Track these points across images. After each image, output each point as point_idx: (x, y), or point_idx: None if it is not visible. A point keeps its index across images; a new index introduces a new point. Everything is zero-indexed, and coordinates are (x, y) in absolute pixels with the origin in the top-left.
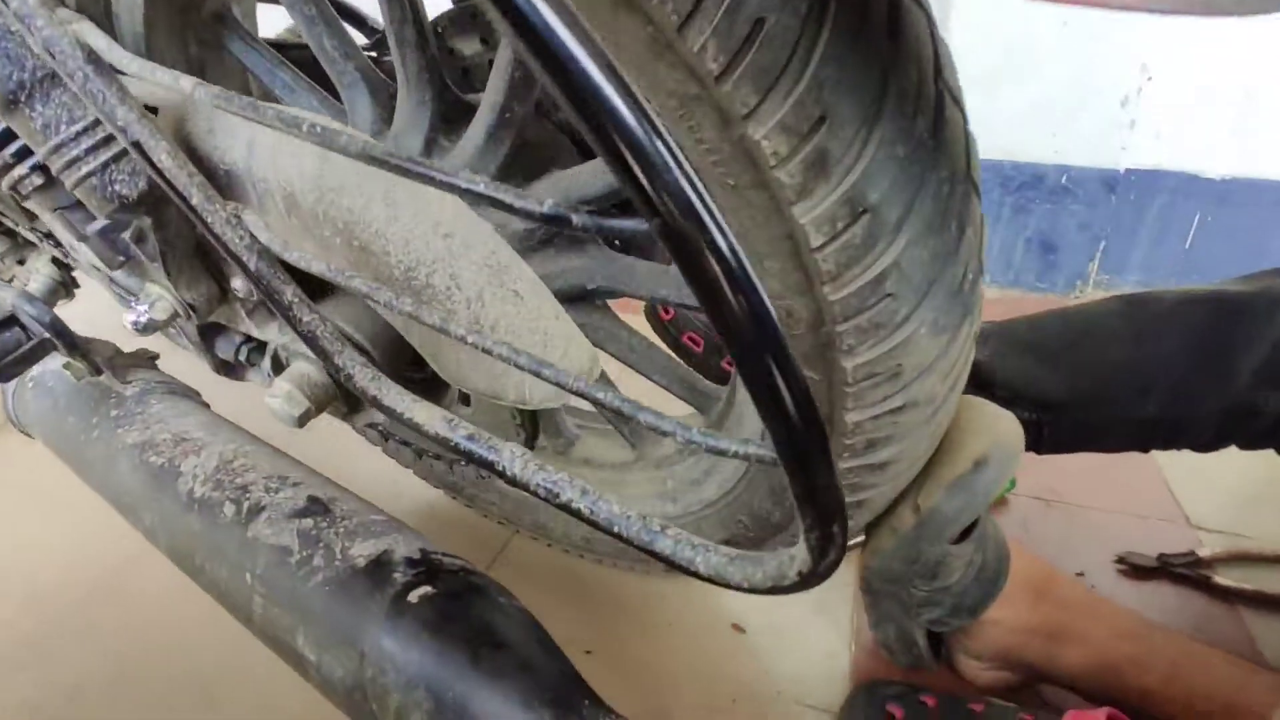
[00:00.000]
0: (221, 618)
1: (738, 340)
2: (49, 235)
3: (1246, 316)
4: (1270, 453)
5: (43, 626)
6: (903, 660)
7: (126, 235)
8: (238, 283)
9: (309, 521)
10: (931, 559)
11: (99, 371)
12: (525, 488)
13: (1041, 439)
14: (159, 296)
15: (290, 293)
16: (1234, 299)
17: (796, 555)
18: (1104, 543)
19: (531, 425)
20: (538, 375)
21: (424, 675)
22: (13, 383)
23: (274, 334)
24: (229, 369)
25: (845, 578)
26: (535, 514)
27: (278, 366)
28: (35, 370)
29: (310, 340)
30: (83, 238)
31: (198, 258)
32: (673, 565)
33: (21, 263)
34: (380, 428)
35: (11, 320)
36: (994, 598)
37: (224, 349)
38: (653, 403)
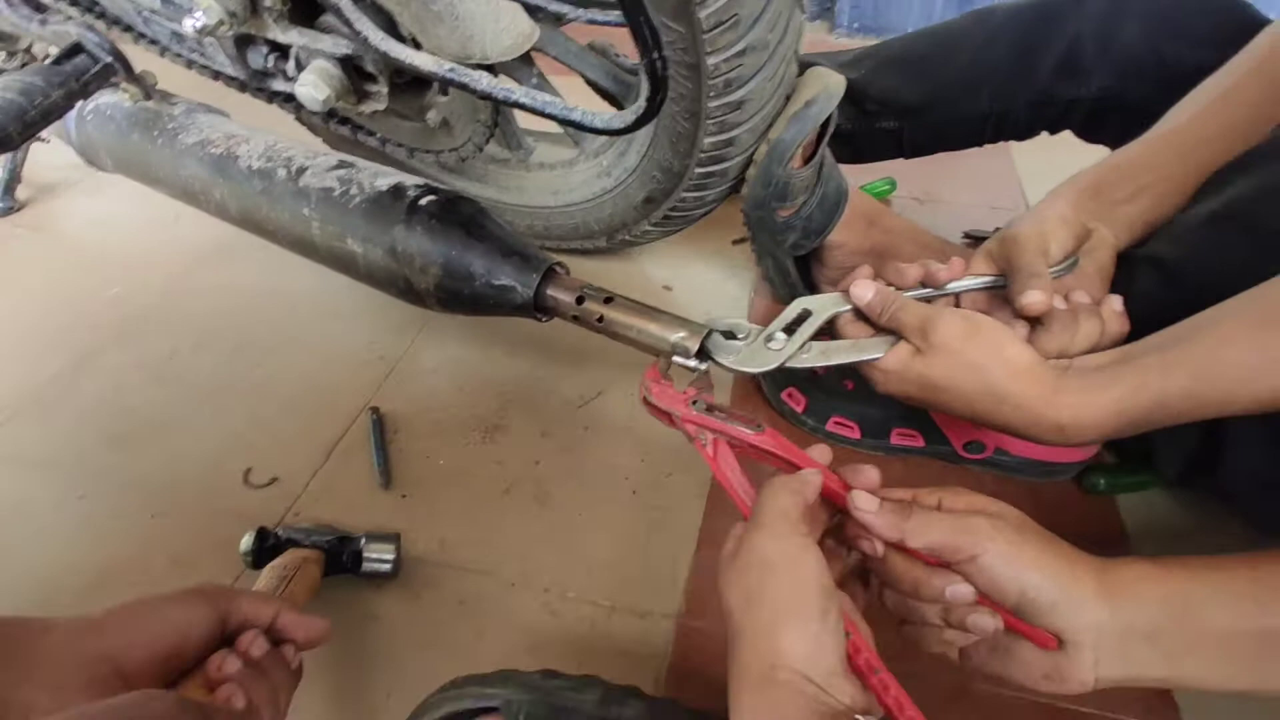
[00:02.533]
0: (270, 298)
1: None
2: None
3: (1055, 19)
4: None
5: (136, 313)
6: (783, 291)
7: None
8: None
9: (342, 171)
10: (781, 180)
11: (149, 96)
12: (492, 97)
13: (903, 144)
14: (209, 5)
15: None
16: (1048, 4)
17: (643, 90)
18: (959, 225)
19: (493, 120)
20: None
21: (435, 244)
22: (73, 122)
23: (295, 37)
24: (259, 78)
25: (747, 255)
26: (503, 214)
27: (298, 68)
28: (90, 105)
29: (335, 11)
30: None
31: None
32: (584, 127)
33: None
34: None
35: (78, 49)
36: (835, 221)
37: (254, 59)
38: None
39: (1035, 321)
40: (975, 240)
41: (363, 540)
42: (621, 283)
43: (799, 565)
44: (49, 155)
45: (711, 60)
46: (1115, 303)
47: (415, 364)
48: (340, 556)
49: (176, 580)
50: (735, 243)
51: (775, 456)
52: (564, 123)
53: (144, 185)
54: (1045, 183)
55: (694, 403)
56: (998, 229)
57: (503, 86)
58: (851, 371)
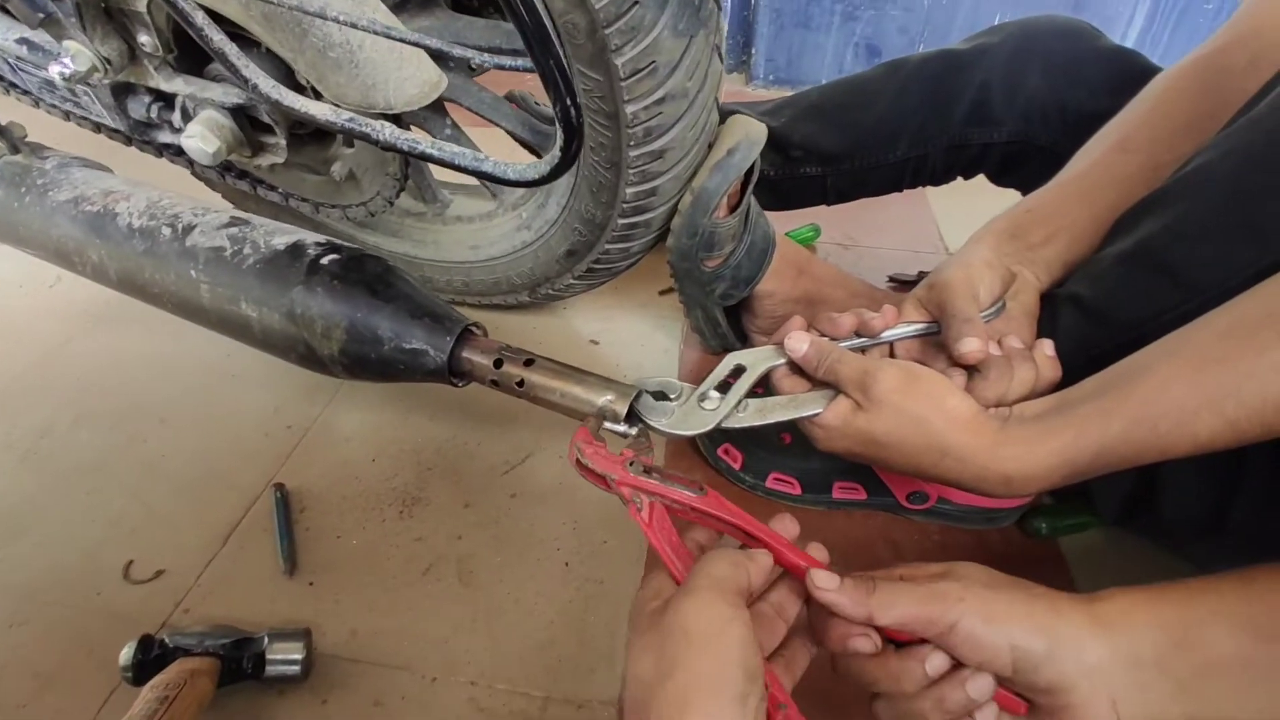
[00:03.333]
0: (164, 364)
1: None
2: None
3: (964, 69)
4: (1015, 193)
5: (4, 386)
6: (713, 342)
7: None
8: (145, 38)
9: (235, 229)
10: (707, 230)
11: (16, 150)
12: (396, 148)
13: (827, 191)
14: (78, 50)
15: (200, 18)
16: (955, 55)
17: (558, 140)
18: (883, 269)
19: (403, 173)
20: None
21: (338, 306)
22: None
23: (180, 86)
24: (142, 129)
25: (675, 305)
26: (420, 270)
27: (185, 118)
28: None
29: (221, 57)
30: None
31: (109, 17)
32: (494, 179)
33: None
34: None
35: None
36: (764, 270)
37: (136, 109)
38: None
39: (972, 369)
40: (900, 284)
41: (265, 640)
42: (547, 338)
43: (722, 640)
44: None
45: (630, 108)
46: (1047, 347)
47: (327, 433)
48: (239, 662)
49: (41, 702)
50: (662, 293)
51: (718, 520)
52: (475, 174)
53: (11, 246)
54: (960, 225)
55: (630, 464)
56: (921, 273)
57: (407, 137)
58: (790, 425)
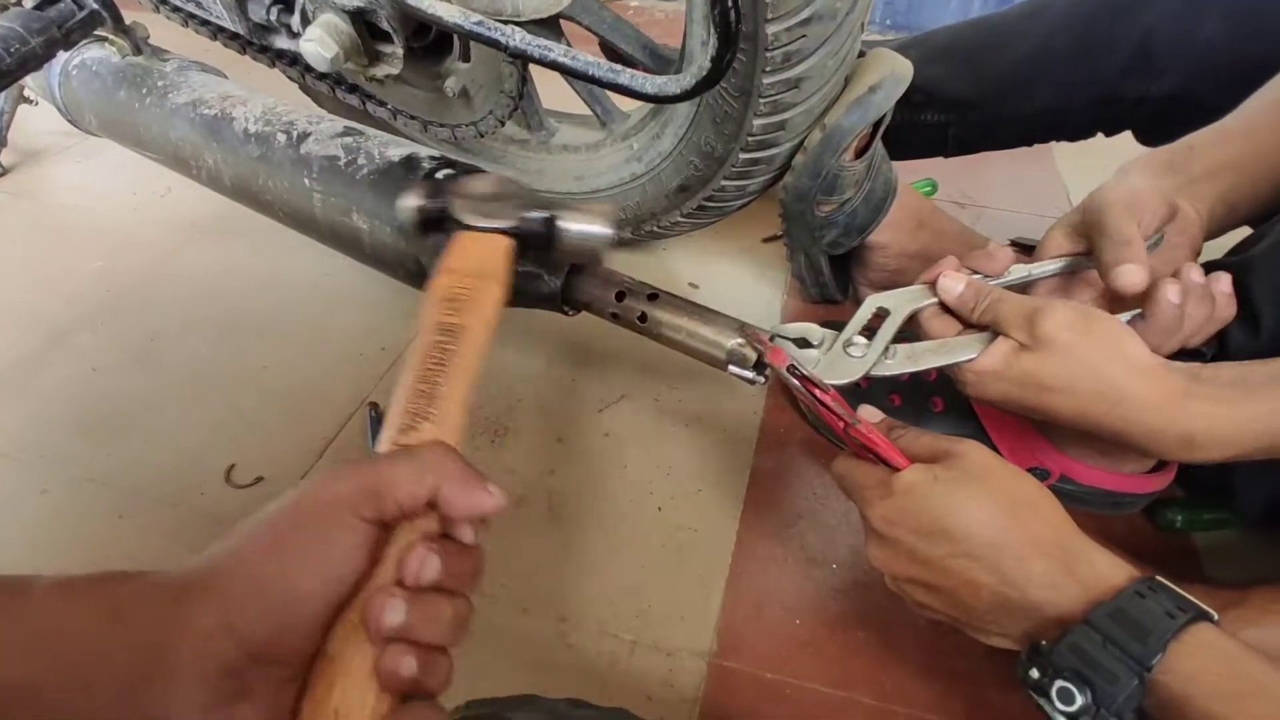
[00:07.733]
0: (264, 279)
1: None
2: None
3: (1125, 10)
4: None
5: (114, 292)
6: (812, 290)
7: None
8: None
9: (349, 139)
10: (831, 172)
11: (139, 51)
12: (526, 55)
13: (948, 140)
14: None
15: None
16: None
17: (711, 53)
18: (1003, 232)
19: (519, 91)
20: None
21: None
22: (57, 78)
23: None
24: (260, 32)
25: (778, 254)
26: None
27: (304, 22)
28: (75, 59)
29: None
30: None
31: None
32: (630, 92)
33: None
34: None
35: None
36: (879, 219)
37: (256, 10)
38: None
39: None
40: (1021, 248)
41: None
42: (642, 277)
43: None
44: (40, 120)
45: (771, 29)
46: (1224, 283)
47: None
48: None
49: None
50: (766, 240)
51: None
52: (610, 86)
53: (130, 149)
54: (1091, 188)
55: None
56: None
57: (538, 44)
58: (941, 390)
